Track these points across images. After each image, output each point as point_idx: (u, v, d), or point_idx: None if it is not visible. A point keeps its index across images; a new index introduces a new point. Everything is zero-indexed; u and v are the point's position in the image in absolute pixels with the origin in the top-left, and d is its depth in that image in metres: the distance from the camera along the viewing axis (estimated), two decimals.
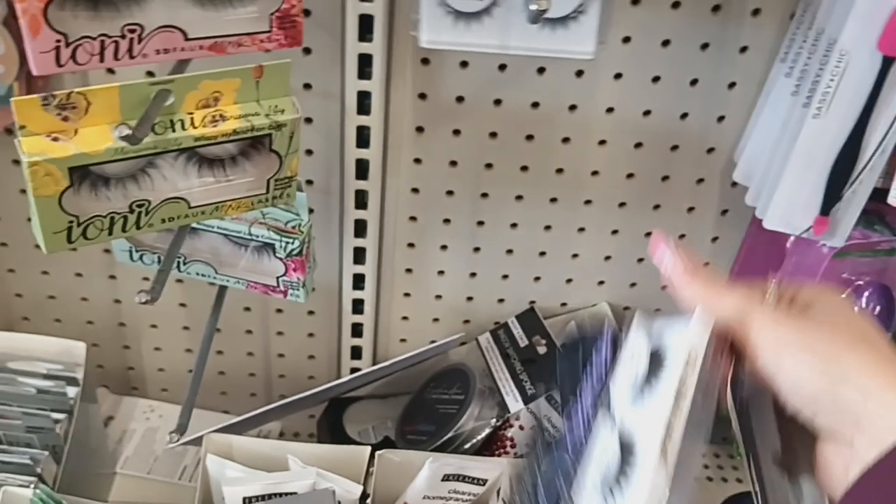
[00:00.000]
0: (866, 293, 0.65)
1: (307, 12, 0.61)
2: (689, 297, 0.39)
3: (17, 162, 0.56)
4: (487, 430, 0.72)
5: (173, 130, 0.42)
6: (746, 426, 0.42)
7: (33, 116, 0.39)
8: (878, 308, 0.65)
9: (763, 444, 0.41)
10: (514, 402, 0.71)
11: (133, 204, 0.44)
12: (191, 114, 0.43)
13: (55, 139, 0.40)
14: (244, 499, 0.59)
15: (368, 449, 0.65)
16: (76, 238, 0.43)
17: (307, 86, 0.65)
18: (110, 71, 0.60)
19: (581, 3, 0.37)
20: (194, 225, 0.52)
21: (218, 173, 0.46)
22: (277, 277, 0.55)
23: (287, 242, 0.52)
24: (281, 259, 0.54)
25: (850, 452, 0.36)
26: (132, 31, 0.42)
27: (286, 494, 0.60)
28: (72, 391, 0.67)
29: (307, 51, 0.63)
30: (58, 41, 0.40)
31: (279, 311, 0.80)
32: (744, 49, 0.64)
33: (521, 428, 0.73)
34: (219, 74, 0.43)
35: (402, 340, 0.82)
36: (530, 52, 0.51)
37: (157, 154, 0.43)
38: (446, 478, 0.61)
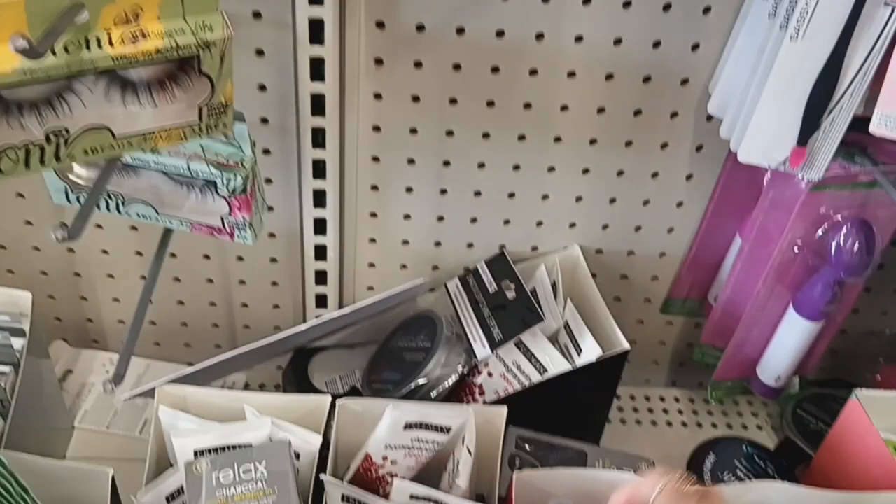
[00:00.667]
0: (845, 228, 0.62)
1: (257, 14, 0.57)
2: None
3: None
4: (454, 377, 0.69)
5: (88, 49, 0.39)
6: None
7: None
8: (856, 244, 0.62)
9: None
10: (482, 349, 0.69)
11: (50, 133, 0.40)
12: (108, 31, 0.39)
13: None
14: (195, 451, 0.57)
15: (329, 398, 0.62)
16: None
17: (257, 14, 0.61)
18: None
19: None
20: (130, 161, 0.49)
21: (143, 99, 0.42)
22: (222, 217, 0.52)
23: (229, 178, 0.49)
24: (224, 197, 0.50)
25: None
26: None
27: (240, 447, 0.57)
28: (17, 343, 0.64)
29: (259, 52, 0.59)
30: None
31: (240, 258, 0.77)
32: None
33: (490, 375, 0.70)
34: None
35: (370, 288, 0.80)
36: None
37: (73, 77, 0.39)
38: (408, 426, 0.59)
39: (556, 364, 0.68)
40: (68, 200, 0.53)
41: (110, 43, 0.39)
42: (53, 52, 0.37)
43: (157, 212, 0.53)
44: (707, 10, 0.63)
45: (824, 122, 0.56)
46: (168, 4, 0.40)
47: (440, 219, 0.75)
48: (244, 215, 0.51)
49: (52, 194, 0.53)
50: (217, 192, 0.50)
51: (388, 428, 0.59)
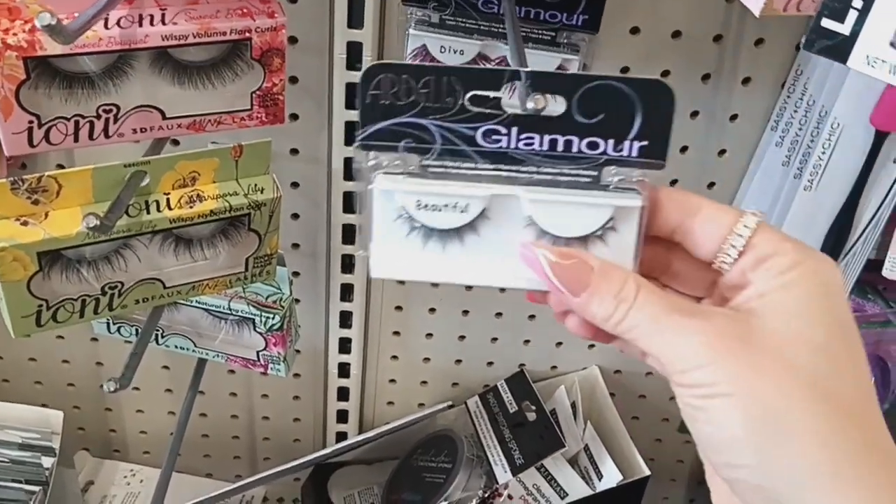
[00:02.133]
0: None
1: (294, 79, 0.60)
2: (592, 316, 0.31)
3: None
4: (475, 502, 0.70)
5: (148, 212, 0.41)
6: None
7: (2, 200, 0.38)
8: (872, 380, 0.63)
9: None
10: (503, 473, 0.69)
11: (106, 286, 0.43)
12: (167, 194, 0.42)
13: (24, 223, 0.39)
14: None
15: None
16: (46, 322, 0.42)
17: (294, 151, 0.64)
18: None
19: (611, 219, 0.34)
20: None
21: (195, 253, 0.44)
22: (258, 352, 0.54)
23: (267, 317, 0.51)
24: (261, 333, 0.52)
25: None
26: (108, 112, 0.41)
27: None
28: (47, 461, 0.65)
29: (294, 116, 0.62)
30: (30, 122, 0.39)
31: (264, 373, 0.79)
32: (734, 117, 0.64)
33: (510, 497, 0.71)
34: (196, 154, 0.42)
35: (390, 403, 0.81)
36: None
37: (131, 236, 0.42)
38: None
39: (576, 489, 0.69)
40: (109, 331, 0.55)
41: (168, 206, 0.41)
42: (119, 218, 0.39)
43: (195, 344, 0.55)
44: (722, 151, 0.65)
45: (840, 265, 0.58)
46: (223, 169, 0.43)
47: (461, 338, 0.77)
48: (279, 350, 0.53)
49: (93, 325, 0.55)
50: (254, 328, 0.52)
51: None
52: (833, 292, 0.30)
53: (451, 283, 0.34)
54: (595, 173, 0.32)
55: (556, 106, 0.32)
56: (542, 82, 0.31)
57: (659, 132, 0.32)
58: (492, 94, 0.32)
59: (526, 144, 0.32)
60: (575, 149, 0.32)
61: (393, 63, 0.31)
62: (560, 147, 0.32)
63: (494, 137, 0.32)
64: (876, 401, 0.30)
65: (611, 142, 0.32)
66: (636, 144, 0.32)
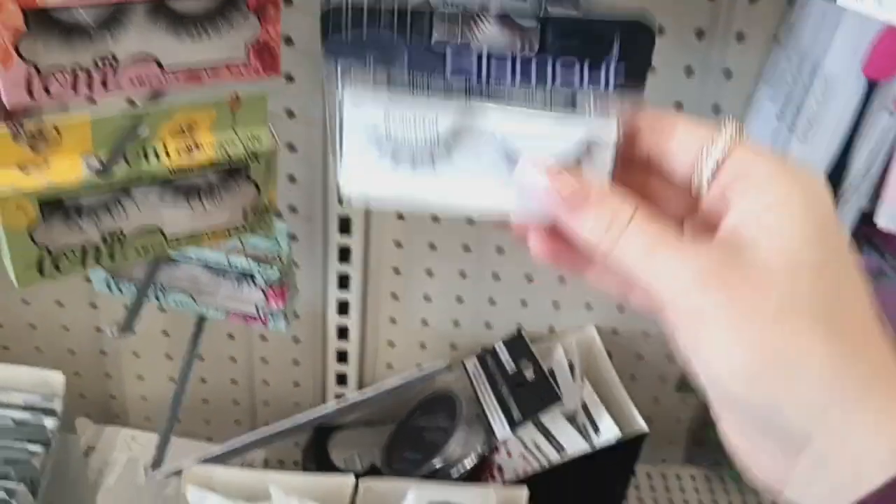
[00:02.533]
0: None
1: (289, 40, 0.61)
2: (584, 235, 0.30)
3: None
4: (474, 458, 0.70)
5: (147, 161, 0.41)
6: None
7: (2, 148, 0.39)
8: (871, 297, 0.64)
9: None
10: (502, 429, 0.70)
11: (106, 234, 0.43)
12: (165, 143, 0.42)
13: (25, 171, 0.39)
14: None
15: (352, 478, 0.64)
16: (48, 271, 0.42)
17: (290, 112, 0.65)
18: None
19: None
20: (172, 254, 0.51)
21: (194, 203, 0.45)
22: (257, 306, 0.54)
23: (267, 271, 0.51)
24: (261, 288, 0.53)
25: (786, 465, 0.28)
26: (105, 61, 0.41)
27: None
28: (50, 422, 0.65)
29: (290, 78, 0.63)
30: (29, 72, 0.40)
31: (263, 338, 0.79)
32: (728, 73, 0.64)
33: (509, 454, 0.72)
34: (193, 105, 0.42)
35: (389, 366, 0.81)
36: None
37: (130, 185, 0.42)
38: None
39: (574, 445, 0.70)
40: (109, 289, 0.56)
41: (167, 154, 0.42)
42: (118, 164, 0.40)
43: (194, 300, 0.55)
44: (717, 108, 0.66)
45: None
46: (220, 118, 0.43)
47: (459, 300, 0.77)
48: (279, 304, 0.54)
49: (94, 282, 0.56)
50: (254, 283, 0.53)
51: None
52: (821, 206, 0.28)
53: (422, 207, 0.33)
54: (568, 102, 0.31)
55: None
56: (517, 7, 0.31)
57: (639, 54, 0.31)
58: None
59: (498, 65, 0.31)
60: (549, 71, 0.31)
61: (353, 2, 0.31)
62: (534, 70, 0.31)
63: (465, 63, 0.31)
64: (878, 321, 0.29)
65: (587, 63, 0.31)
66: (613, 66, 0.31)
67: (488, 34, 0.31)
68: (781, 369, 0.26)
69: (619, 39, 0.31)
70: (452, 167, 0.32)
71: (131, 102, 0.60)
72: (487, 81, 0.32)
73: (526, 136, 0.31)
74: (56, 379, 0.67)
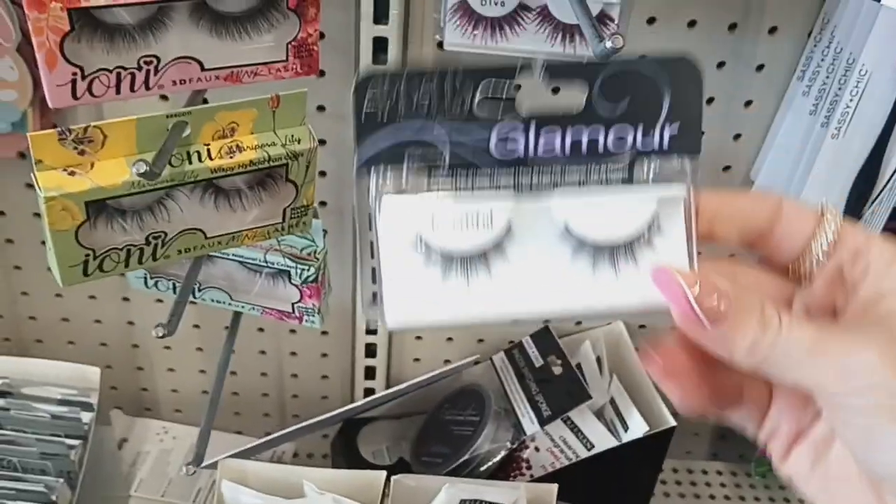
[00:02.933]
0: None
1: (321, 35, 0.61)
2: (730, 347, 0.27)
3: (30, 186, 0.56)
4: (503, 453, 0.71)
5: (189, 162, 0.42)
6: None
7: (49, 151, 0.39)
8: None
9: None
10: (531, 424, 0.70)
11: (149, 236, 0.43)
12: (207, 145, 0.43)
13: (71, 173, 0.40)
14: None
15: (384, 474, 0.64)
16: (92, 271, 0.43)
17: (321, 108, 0.65)
18: None
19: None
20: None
21: (235, 204, 0.45)
22: (293, 304, 0.55)
23: (302, 269, 0.52)
24: (296, 286, 0.53)
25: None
26: (148, 63, 0.42)
27: None
28: (86, 416, 0.66)
29: (321, 73, 0.63)
30: (74, 74, 0.40)
31: (293, 331, 0.80)
32: (760, 67, 0.64)
33: (537, 449, 0.72)
34: (235, 105, 0.43)
35: (416, 360, 0.82)
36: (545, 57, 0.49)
37: (173, 186, 0.43)
38: (463, 502, 0.60)
39: (602, 440, 0.70)
40: (146, 286, 0.56)
41: (209, 156, 0.42)
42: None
43: (230, 298, 0.56)
44: (748, 102, 0.66)
45: (866, 213, 0.59)
46: (261, 120, 0.43)
47: None
48: (314, 302, 0.54)
49: (130, 280, 0.56)
50: (290, 280, 0.53)
51: None
52: None
53: (481, 321, 0.29)
54: (625, 174, 0.29)
55: (574, 94, 0.28)
56: (558, 71, 0.28)
57: (690, 114, 0.29)
58: (508, 86, 0.28)
59: (546, 145, 0.29)
60: (601, 145, 0.29)
61: (388, 70, 0.29)
62: (584, 146, 0.29)
63: (510, 146, 0.28)
64: None
65: (639, 131, 0.29)
66: (667, 131, 0.29)
67: (532, 103, 0.29)
68: None
69: (670, 94, 0.29)
70: (512, 268, 0.29)
71: (164, 99, 0.60)
72: (537, 163, 0.29)
73: (590, 217, 0.29)
74: (92, 373, 0.68)
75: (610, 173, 0.29)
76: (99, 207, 0.41)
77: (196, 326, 0.79)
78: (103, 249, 0.43)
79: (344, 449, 0.79)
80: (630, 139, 0.29)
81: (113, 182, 0.40)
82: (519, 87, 0.28)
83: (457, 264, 0.28)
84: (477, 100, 0.28)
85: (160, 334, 0.42)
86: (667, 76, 0.29)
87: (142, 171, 0.37)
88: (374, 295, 0.29)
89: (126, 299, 0.77)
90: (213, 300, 0.56)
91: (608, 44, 0.30)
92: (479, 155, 0.28)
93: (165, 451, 0.82)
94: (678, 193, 0.29)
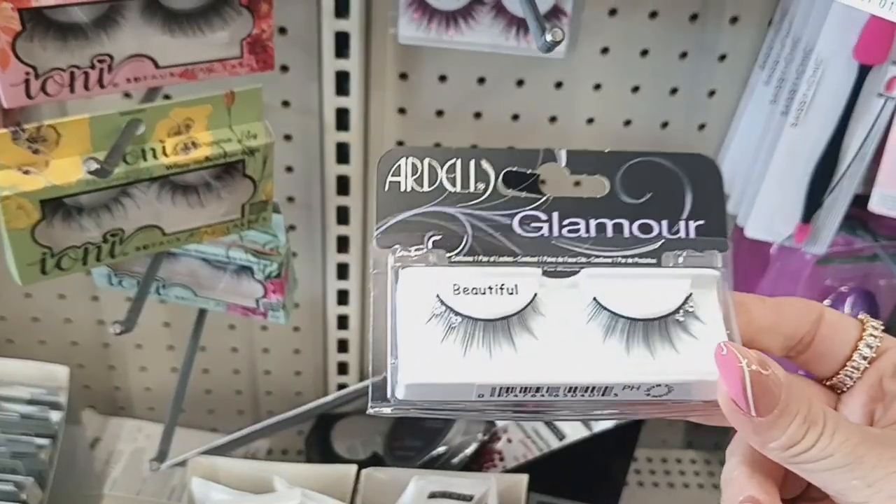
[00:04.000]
0: (849, 300, 0.65)
1: (283, 30, 0.61)
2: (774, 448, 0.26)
3: None
4: (475, 445, 0.71)
5: (145, 160, 0.42)
6: None
7: (3, 150, 0.39)
8: (860, 315, 0.64)
9: None
10: None
11: (107, 233, 0.43)
12: (162, 142, 0.43)
13: (26, 172, 0.40)
14: None
15: (354, 468, 0.64)
16: (51, 269, 0.43)
17: (285, 103, 0.65)
18: None
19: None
20: (172, 249, 0.52)
21: (192, 200, 0.45)
22: (257, 299, 0.55)
23: (265, 265, 0.52)
24: (260, 281, 0.53)
25: None
26: (102, 62, 0.42)
27: None
28: (55, 415, 0.66)
29: (284, 68, 0.63)
30: (27, 73, 0.40)
31: (264, 328, 0.80)
32: (723, 57, 0.64)
33: (510, 441, 0.72)
34: (189, 102, 0.43)
35: None
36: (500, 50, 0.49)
37: (129, 184, 0.43)
38: (432, 495, 0.61)
39: (574, 430, 0.71)
40: (111, 283, 0.56)
41: (164, 153, 0.42)
42: (117, 164, 0.40)
43: (195, 294, 0.56)
44: (712, 92, 0.66)
45: (826, 200, 0.59)
46: (216, 116, 0.43)
47: None
48: (278, 297, 0.54)
49: (95, 278, 0.56)
50: (253, 276, 0.53)
51: (412, 497, 0.61)
52: None
53: (506, 387, 0.27)
54: (653, 259, 0.29)
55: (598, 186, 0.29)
56: (580, 161, 0.29)
57: (714, 209, 0.29)
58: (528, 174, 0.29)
59: (571, 231, 0.28)
60: (626, 232, 0.29)
61: (414, 147, 0.29)
62: (609, 231, 0.29)
63: (533, 224, 0.28)
64: None
65: (664, 223, 0.29)
66: (692, 224, 0.29)
67: (556, 192, 0.29)
68: None
69: (692, 190, 0.30)
70: (537, 340, 0.28)
71: (128, 96, 0.60)
72: (560, 250, 0.29)
73: (622, 292, 0.28)
74: (61, 372, 0.68)
75: (638, 257, 0.29)
76: (55, 206, 0.41)
77: (167, 325, 0.79)
78: (61, 248, 0.43)
79: (318, 445, 0.79)
80: (656, 229, 0.29)
81: (68, 180, 0.40)
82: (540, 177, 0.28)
83: (479, 333, 0.27)
84: (500, 181, 0.28)
85: (117, 331, 0.42)
86: (686, 171, 0.29)
87: (92, 168, 0.37)
88: (384, 381, 0.27)
89: (95, 298, 0.77)
90: (177, 297, 0.56)
91: (548, 37, 0.31)
92: (502, 231, 0.28)
93: (139, 449, 0.82)
94: (712, 275, 0.29)
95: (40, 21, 0.40)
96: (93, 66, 0.42)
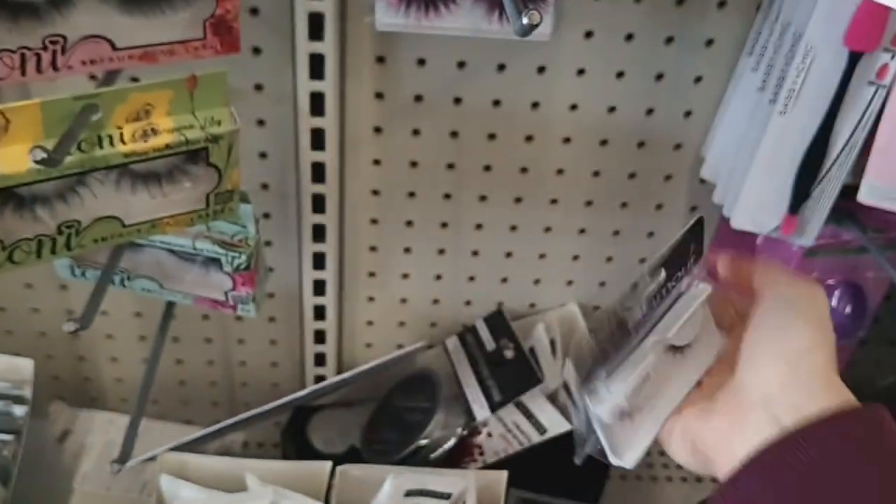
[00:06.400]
0: (837, 292, 0.63)
1: (255, 10, 0.58)
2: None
3: None
4: (454, 439, 0.70)
5: (101, 147, 0.40)
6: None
7: None
8: (848, 308, 0.63)
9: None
10: (481, 410, 0.69)
11: (62, 225, 0.41)
12: (120, 128, 0.40)
13: None
14: None
15: (329, 464, 0.63)
16: (2, 262, 0.41)
17: (258, 87, 0.62)
18: None
19: None
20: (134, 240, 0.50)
21: (153, 189, 0.43)
22: (226, 292, 0.53)
23: (234, 257, 0.50)
24: (228, 273, 0.51)
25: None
26: (54, 43, 0.39)
27: None
28: (19, 410, 0.64)
29: (257, 51, 0.60)
30: None
31: (239, 318, 0.78)
32: (710, 42, 0.62)
33: (490, 435, 0.71)
34: (148, 87, 0.40)
35: (368, 345, 0.80)
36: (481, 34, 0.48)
37: (85, 172, 0.40)
38: (409, 493, 0.59)
39: (555, 424, 0.69)
40: (73, 275, 0.54)
41: (122, 140, 0.40)
42: (68, 152, 0.38)
43: (161, 286, 0.53)
44: (698, 79, 0.64)
45: (814, 191, 0.58)
46: (178, 101, 0.41)
47: (438, 278, 0.76)
48: (247, 290, 0.52)
49: (57, 269, 0.54)
50: (221, 268, 0.51)
51: (388, 495, 0.59)
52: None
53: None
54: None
55: None
56: None
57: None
58: None
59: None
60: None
61: None
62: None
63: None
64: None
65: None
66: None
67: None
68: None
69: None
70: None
71: (94, 79, 0.58)
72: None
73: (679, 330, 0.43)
74: (25, 366, 0.66)
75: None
76: (5, 196, 0.39)
77: (138, 314, 0.77)
78: (13, 241, 0.40)
79: (294, 437, 0.77)
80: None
81: (17, 169, 0.38)
82: None
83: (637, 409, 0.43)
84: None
85: (71, 329, 0.40)
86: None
87: (39, 158, 0.34)
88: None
89: (64, 287, 0.75)
90: (142, 289, 0.54)
91: (524, 20, 0.29)
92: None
93: (110, 442, 0.80)
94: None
95: None
96: (45, 48, 0.39)
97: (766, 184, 0.58)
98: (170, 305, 0.55)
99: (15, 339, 0.78)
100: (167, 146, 0.41)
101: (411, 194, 0.70)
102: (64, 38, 0.39)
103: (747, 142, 0.58)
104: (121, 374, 0.82)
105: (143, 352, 0.80)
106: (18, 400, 0.64)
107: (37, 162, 0.35)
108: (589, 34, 0.61)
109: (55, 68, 0.40)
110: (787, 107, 0.55)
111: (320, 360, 0.79)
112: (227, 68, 0.43)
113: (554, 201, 0.71)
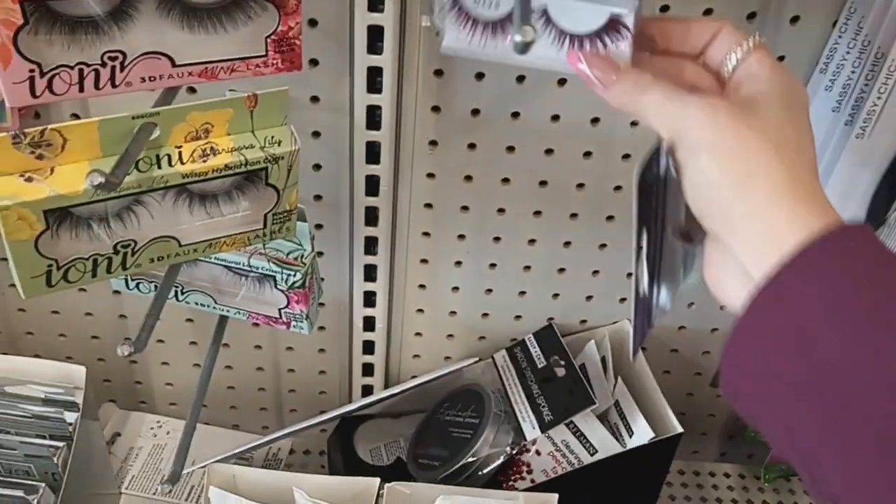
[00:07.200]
0: None
1: (313, 22, 0.57)
2: (616, 99, 0.40)
3: None
4: (503, 458, 0.68)
5: (159, 167, 0.39)
6: (650, 200, 0.44)
7: (3, 156, 0.36)
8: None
9: (669, 217, 0.44)
10: (531, 430, 0.68)
11: (118, 245, 0.41)
12: (179, 147, 0.40)
13: (29, 179, 0.37)
14: None
15: (377, 481, 0.62)
16: (56, 282, 0.40)
17: (314, 98, 0.62)
18: None
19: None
20: None
21: (211, 209, 0.42)
22: (279, 309, 0.52)
23: (289, 274, 0.49)
24: (282, 291, 0.50)
25: (727, 259, 0.38)
26: (113, 59, 0.39)
27: None
28: (70, 416, 0.64)
29: (314, 62, 0.59)
30: (31, 71, 0.37)
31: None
32: (781, 58, 0.60)
33: (538, 453, 0.69)
34: (208, 105, 0.39)
35: (416, 356, 0.79)
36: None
37: (143, 192, 0.40)
38: None
39: (606, 446, 0.67)
40: (128, 287, 0.54)
41: (181, 160, 0.39)
42: (126, 174, 0.37)
43: (215, 301, 0.53)
44: None
45: (891, 216, 0.55)
46: (237, 120, 0.40)
47: (488, 291, 0.75)
48: (301, 308, 0.51)
49: (112, 281, 0.54)
50: (276, 285, 0.50)
51: None
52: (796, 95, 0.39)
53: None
54: None
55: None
56: None
57: None
58: None
59: None
60: None
61: None
62: None
63: None
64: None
65: None
66: None
67: None
68: (743, 182, 0.36)
69: None
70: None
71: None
72: None
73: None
74: (77, 371, 0.66)
75: None
76: (60, 215, 0.38)
77: (189, 320, 0.77)
78: (67, 259, 0.40)
79: (340, 446, 0.77)
80: None
81: (74, 189, 0.37)
82: None
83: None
84: None
85: (126, 353, 0.40)
86: None
87: (97, 182, 0.34)
88: None
89: (117, 292, 0.75)
90: (196, 303, 0.53)
91: (517, 38, 0.30)
92: None
93: (159, 446, 0.80)
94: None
95: (45, 14, 0.37)
96: (104, 64, 0.39)
97: (840, 208, 0.55)
98: (222, 320, 0.54)
99: (68, 343, 0.79)
100: (226, 166, 0.40)
101: (464, 208, 0.68)
102: (123, 53, 0.39)
103: (821, 164, 0.56)
104: (171, 379, 0.82)
105: (193, 356, 0.80)
106: (70, 406, 0.64)
107: (94, 186, 0.35)
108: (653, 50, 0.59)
109: (114, 85, 0.39)
110: (866, 130, 0.52)
111: (368, 370, 0.78)
112: (286, 87, 0.42)
113: (610, 218, 0.69)
